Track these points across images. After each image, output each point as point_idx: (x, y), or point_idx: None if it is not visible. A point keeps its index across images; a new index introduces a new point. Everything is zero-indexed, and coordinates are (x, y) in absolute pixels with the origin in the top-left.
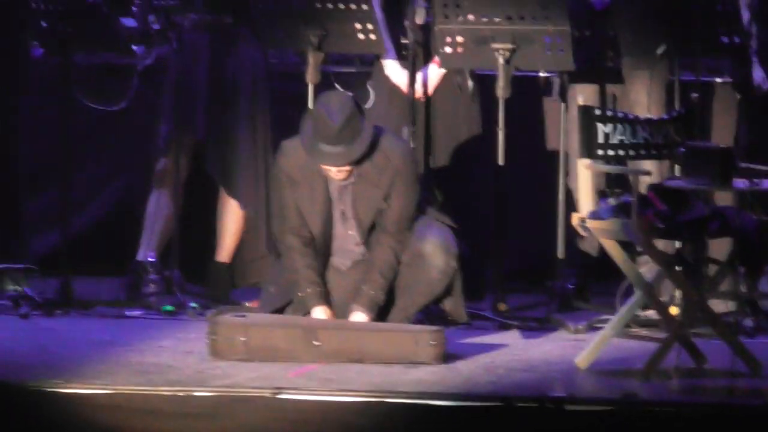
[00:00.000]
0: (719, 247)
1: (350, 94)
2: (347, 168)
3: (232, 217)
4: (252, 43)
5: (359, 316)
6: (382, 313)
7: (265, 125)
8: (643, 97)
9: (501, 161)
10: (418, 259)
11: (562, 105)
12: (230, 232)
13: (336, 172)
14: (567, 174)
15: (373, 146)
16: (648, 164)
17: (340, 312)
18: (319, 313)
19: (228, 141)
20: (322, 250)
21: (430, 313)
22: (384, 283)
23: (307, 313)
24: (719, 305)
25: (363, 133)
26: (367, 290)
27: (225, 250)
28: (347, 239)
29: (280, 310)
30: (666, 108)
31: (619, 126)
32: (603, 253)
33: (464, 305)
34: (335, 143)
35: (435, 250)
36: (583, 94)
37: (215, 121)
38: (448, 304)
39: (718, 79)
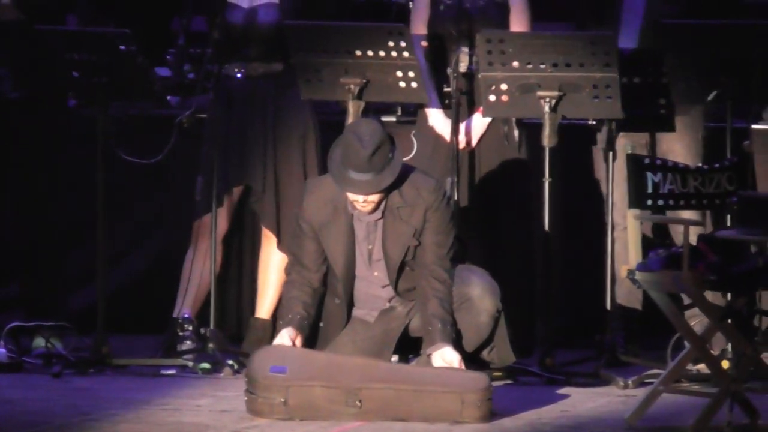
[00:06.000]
0: None
1: (379, 121)
2: (375, 199)
3: (274, 272)
4: None
5: (450, 353)
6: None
7: (314, 176)
8: (674, 145)
9: (548, 212)
10: (466, 303)
11: (610, 154)
12: (272, 287)
13: (363, 203)
14: (614, 225)
15: (402, 178)
16: (699, 214)
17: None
18: (283, 335)
19: (278, 192)
20: (344, 292)
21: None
22: (451, 319)
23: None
24: None
25: (393, 162)
26: (443, 326)
27: (265, 306)
28: (372, 282)
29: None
30: (701, 155)
31: (669, 175)
32: (648, 305)
33: (510, 346)
34: (365, 171)
35: (483, 293)
36: (631, 143)
37: (269, 172)
38: (487, 351)
39: None
